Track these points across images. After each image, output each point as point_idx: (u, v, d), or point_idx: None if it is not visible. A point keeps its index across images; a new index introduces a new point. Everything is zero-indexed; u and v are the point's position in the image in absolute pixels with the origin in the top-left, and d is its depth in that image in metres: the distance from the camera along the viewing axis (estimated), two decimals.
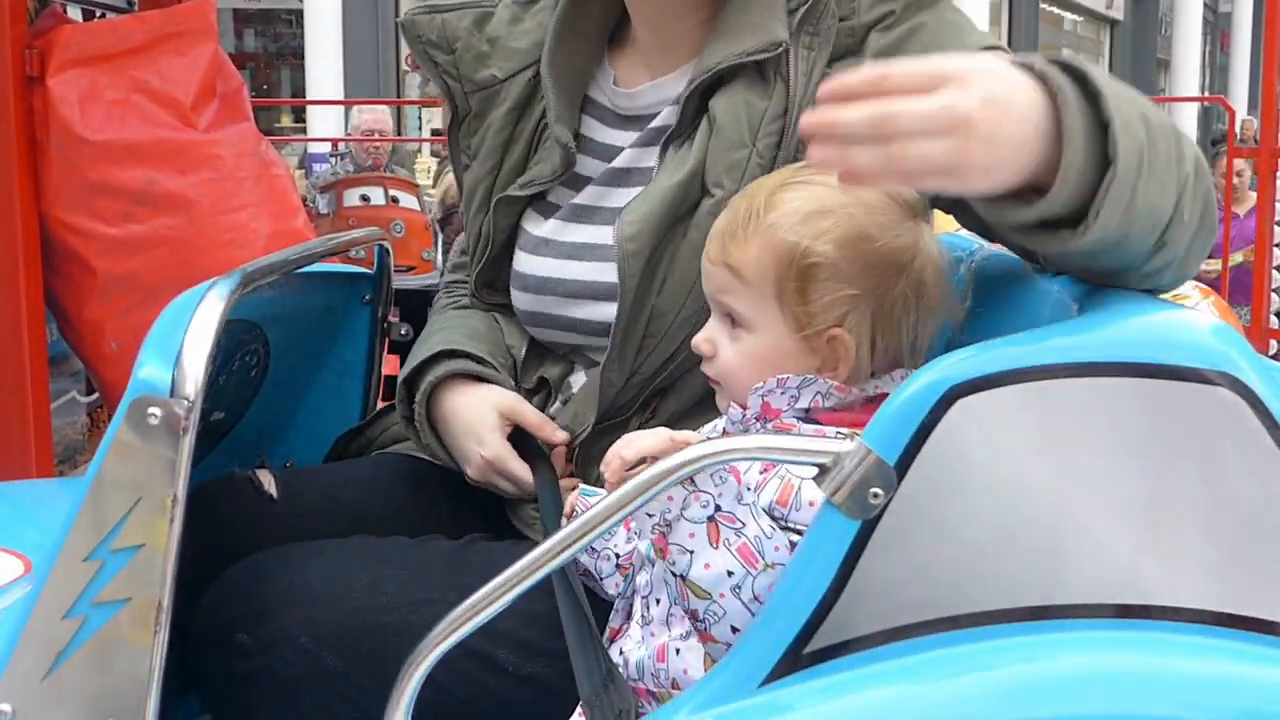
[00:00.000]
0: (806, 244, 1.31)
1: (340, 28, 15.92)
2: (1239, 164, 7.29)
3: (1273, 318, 5.10)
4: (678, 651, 1.28)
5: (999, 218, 1.19)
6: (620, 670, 1.28)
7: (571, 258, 1.64)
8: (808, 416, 1.33)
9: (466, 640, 1.17)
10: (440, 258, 7.38)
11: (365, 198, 7.68)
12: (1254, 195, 6.57)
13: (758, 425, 1.34)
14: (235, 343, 1.65)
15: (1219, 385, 1.13)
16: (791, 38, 1.54)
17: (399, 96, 17.13)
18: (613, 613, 1.40)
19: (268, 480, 1.64)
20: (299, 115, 17.51)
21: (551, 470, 1.60)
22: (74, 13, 2.75)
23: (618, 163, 1.65)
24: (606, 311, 1.57)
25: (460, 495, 1.69)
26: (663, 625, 1.31)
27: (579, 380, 1.67)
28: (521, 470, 1.60)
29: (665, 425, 1.42)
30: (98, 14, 2.81)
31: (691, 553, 1.20)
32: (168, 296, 1.32)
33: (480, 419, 1.62)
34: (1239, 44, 26.29)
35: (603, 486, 1.27)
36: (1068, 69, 1.13)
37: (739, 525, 1.21)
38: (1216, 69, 31.19)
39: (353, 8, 16.30)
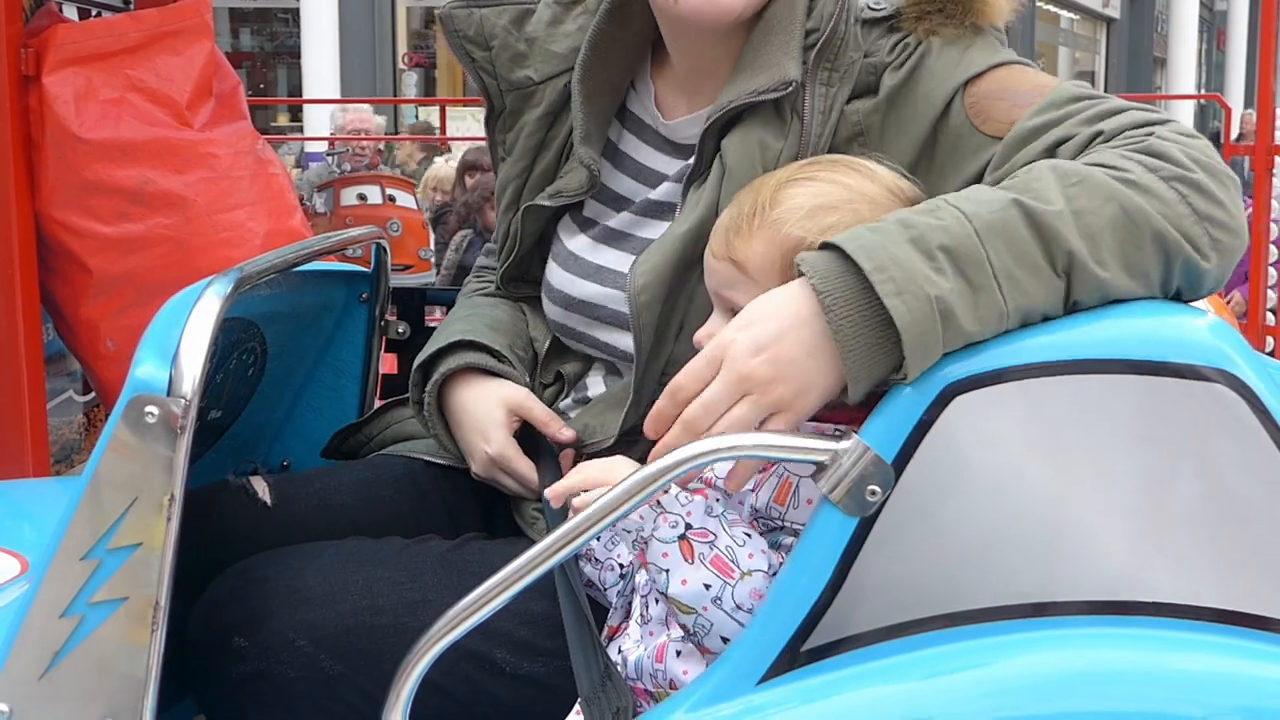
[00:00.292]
0: (812, 239, 1.29)
1: (337, 26, 15.93)
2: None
3: (1268, 314, 5.08)
4: (678, 654, 1.27)
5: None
6: (619, 669, 1.28)
7: (594, 279, 1.62)
8: None
9: (463, 641, 1.17)
10: (435, 257, 7.37)
11: (362, 196, 7.67)
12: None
13: None
14: (232, 341, 1.65)
15: (1216, 382, 1.13)
16: (809, 74, 1.49)
17: (395, 95, 17.14)
18: (612, 610, 1.40)
19: (262, 488, 1.63)
20: (295, 114, 17.51)
21: (557, 469, 1.59)
22: (69, 11, 2.75)
23: (656, 194, 1.62)
24: (629, 342, 1.54)
25: (456, 497, 1.69)
26: (661, 625, 1.30)
27: (595, 382, 1.66)
28: (526, 468, 1.60)
29: None
30: (93, 13, 2.81)
31: (667, 570, 1.22)
32: (164, 295, 1.32)
33: (488, 415, 1.61)
34: (1235, 41, 26.34)
35: None
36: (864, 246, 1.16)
37: (711, 538, 1.22)
38: (1213, 67, 31.23)
39: (349, 6, 16.31)
